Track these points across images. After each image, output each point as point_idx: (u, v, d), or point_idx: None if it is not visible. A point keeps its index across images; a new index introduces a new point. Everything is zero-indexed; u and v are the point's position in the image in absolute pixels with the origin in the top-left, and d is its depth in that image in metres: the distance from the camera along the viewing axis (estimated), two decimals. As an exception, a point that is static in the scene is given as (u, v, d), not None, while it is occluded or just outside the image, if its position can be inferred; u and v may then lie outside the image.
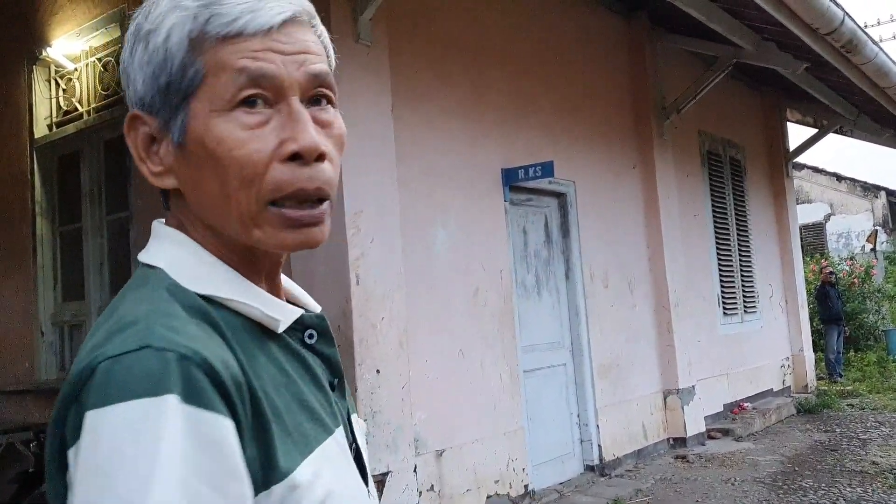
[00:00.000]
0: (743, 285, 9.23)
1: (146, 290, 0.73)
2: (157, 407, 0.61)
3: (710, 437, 7.56)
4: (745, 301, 9.22)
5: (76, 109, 6.07)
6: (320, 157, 0.74)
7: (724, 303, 8.75)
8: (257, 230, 0.74)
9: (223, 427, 0.63)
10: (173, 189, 0.78)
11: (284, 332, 0.78)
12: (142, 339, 0.64)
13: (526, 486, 5.51)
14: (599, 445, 6.36)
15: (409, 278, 4.64)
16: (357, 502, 0.77)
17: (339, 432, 0.79)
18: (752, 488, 5.80)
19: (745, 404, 8.70)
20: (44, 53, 6.14)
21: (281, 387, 0.73)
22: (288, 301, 0.84)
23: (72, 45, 6.01)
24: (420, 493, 4.57)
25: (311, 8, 0.79)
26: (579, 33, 6.85)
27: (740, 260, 9.24)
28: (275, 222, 0.73)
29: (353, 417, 0.87)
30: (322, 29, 0.81)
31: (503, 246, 5.66)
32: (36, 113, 6.28)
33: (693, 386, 7.44)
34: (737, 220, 9.28)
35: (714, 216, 8.79)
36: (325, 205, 0.76)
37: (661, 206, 7.40)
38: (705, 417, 7.67)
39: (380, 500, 4.19)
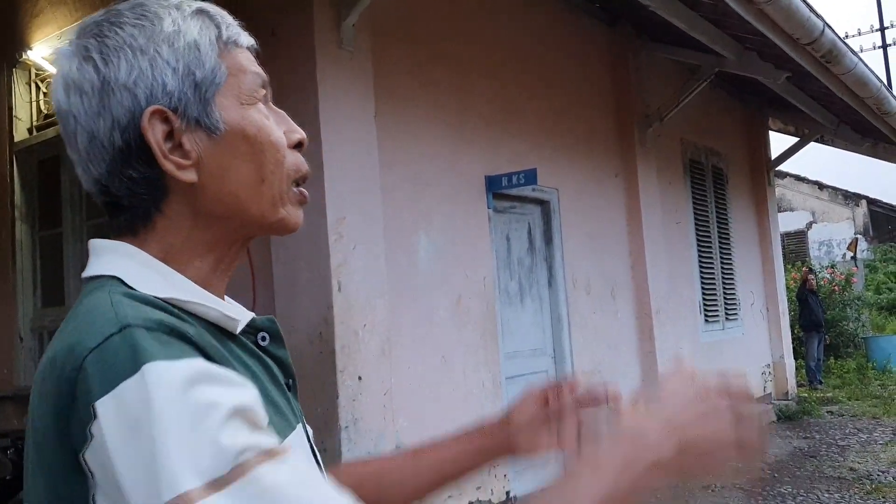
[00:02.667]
0: (724, 292, 9.30)
1: (103, 293, 0.73)
2: (166, 369, 0.65)
3: (692, 444, 7.58)
4: (726, 308, 9.28)
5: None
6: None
7: (705, 310, 8.80)
8: (283, 209, 0.84)
9: (228, 373, 0.70)
10: (181, 188, 0.80)
11: (240, 333, 0.82)
12: (119, 322, 0.68)
13: (507, 493, 5.52)
14: (581, 452, 6.36)
15: (391, 285, 4.64)
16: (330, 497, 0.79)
17: (300, 428, 0.84)
18: (732, 494, 5.84)
19: (727, 411, 8.73)
20: (24, 56, 6.10)
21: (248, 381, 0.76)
22: None
23: (53, 48, 5.98)
24: (401, 500, 4.56)
25: None
26: (563, 42, 6.88)
27: (722, 267, 9.31)
28: (294, 200, 0.86)
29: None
30: None
31: (486, 253, 5.67)
32: (16, 117, 6.24)
33: (675, 393, 7.46)
34: (719, 227, 9.35)
35: (696, 224, 8.85)
36: None
37: (644, 214, 7.44)
38: (687, 424, 7.69)
39: (361, 507, 4.19)
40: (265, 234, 0.88)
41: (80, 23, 0.83)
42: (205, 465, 0.62)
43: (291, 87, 4.34)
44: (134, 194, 0.80)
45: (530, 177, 5.64)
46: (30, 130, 6.23)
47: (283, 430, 0.78)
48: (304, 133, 0.89)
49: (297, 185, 0.87)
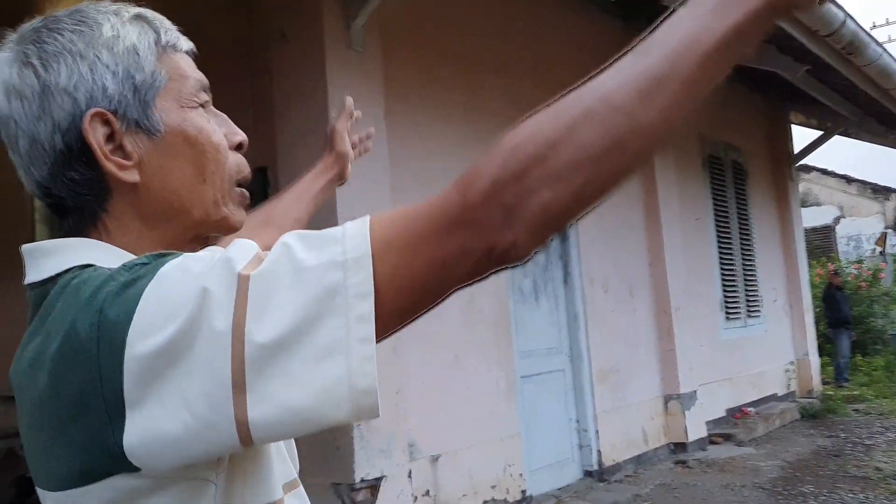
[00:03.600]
0: (746, 289, 9.19)
1: (86, 274, 0.74)
2: (165, 265, 0.69)
3: (712, 443, 7.52)
4: (748, 305, 9.17)
5: (75, 116, 6.12)
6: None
7: (726, 307, 8.70)
8: (225, 208, 0.87)
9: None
10: (120, 188, 0.81)
11: None
12: (119, 267, 0.72)
13: (523, 492, 5.49)
14: (598, 451, 6.33)
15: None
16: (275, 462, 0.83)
17: None
18: (752, 494, 5.76)
19: (748, 409, 8.65)
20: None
21: None
22: None
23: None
24: (415, 497, 4.56)
25: None
26: (576, 38, 6.84)
27: (743, 264, 9.20)
28: (237, 200, 0.89)
29: None
30: None
31: (499, 251, 5.64)
32: (35, 120, 6.32)
33: (694, 391, 7.40)
34: (739, 223, 9.24)
35: (716, 220, 8.75)
36: None
37: (662, 211, 7.37)
38: (707, 422, 7.63)
39: (373, 505, 4.19)
40: (212, 232, 0.89)
41: (19, 29, 0.84)
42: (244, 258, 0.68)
43: (301, 88, 4.36)
44: (77, 195, 0.81)
45: (544, 174, 5.60)
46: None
47: None
48: (244, 135, 0.91)
49: (240, 185, 0.90)
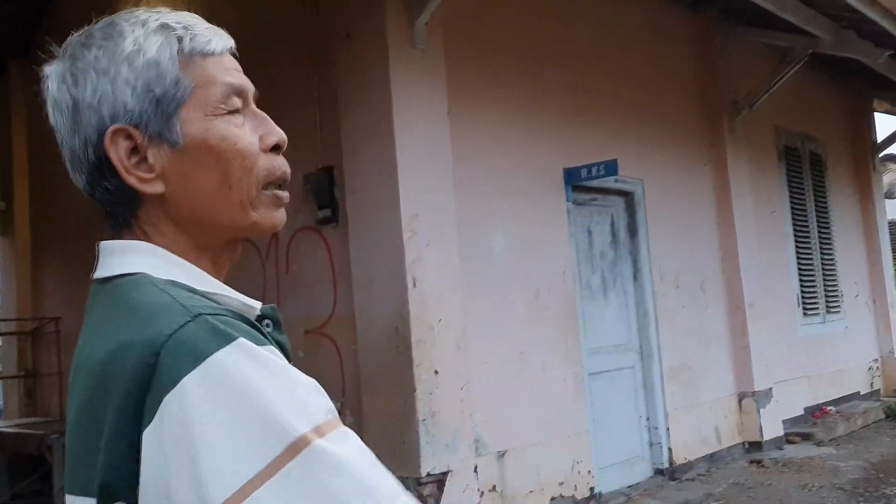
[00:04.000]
0: (825, 284, 8.88)
1: (150, 288, 0.78)
2: (235, 349, 0.70)
3: (789, 442, 7.30)
4: (827, 301, 8.87)
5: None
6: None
7: (804, 303, 8.43)
8: (254, 212, 0.87)
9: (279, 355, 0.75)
10: (150, 197, 0.84)
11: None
12: (190, 312, 0.73)
13: (591, 489, 5.45)
14: (669, 449, 6.23)
15: (466, 281, 4.66)
16: None
17: None
18: (831, 494, 5.58)
19: (828, 408, 8.36)
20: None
21: None
22: None
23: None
24: (482, 493, 4.58)
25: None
26: (643, 28, 6.73)
27: (822, 258, 8.90)
28: (268, 203, 0.88)
29: None
30: None
31: (565, 247, 5.61)
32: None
33: (770, 389, 7.20)
34: (818, 216, 8.93)
35: (793, 213, 8.48)
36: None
37: (735, 204, 7.20)
38: (784, 421, 7.41)
39: (440, 499, 4.23)
40: (243, 236, 0.90)
41: (66, 42, 0.88)
42: (308, 414, 0.69)
43: (366, 87, 4.42)
44: (113, 203, 0.85)
45: (610, 168, 5.54)
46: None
47: None
48: (281, 135, 0.89)
49: (279, 186, 0.89)
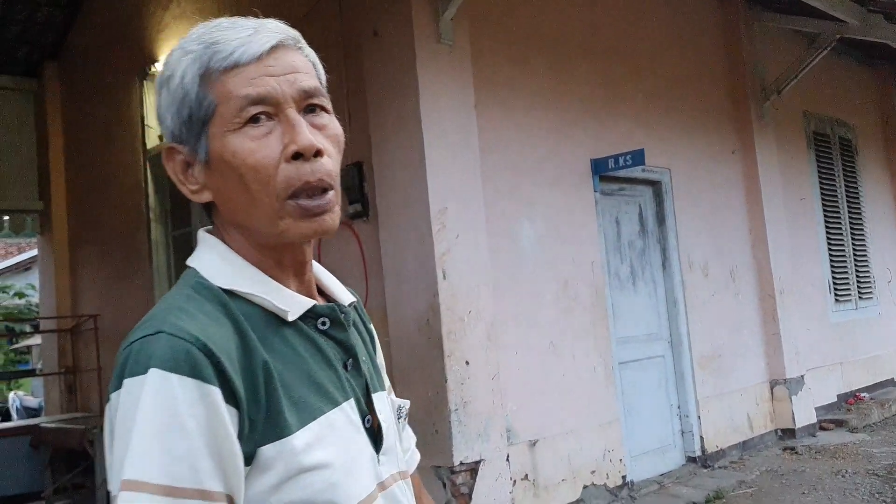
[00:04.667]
0: (857, 270, 8.80)
1: (176, 289, 0.89)
2: (142, 380, 0.77)
3: (822, 429, 7.27)
4: (859, 287, 8.79)
5: (183, 120, 6.45)
6: (318, 153, 0.89)
7: (835, 289, 8.37)
8: (281, 223, 0.89)
9: (206, 391, 0.78)
10: (209, 202, 0.93)
11: (299, 319, 0.92)
12: (157, 325, 0.81)
13: (623, 477, 5.48)
14: (701, 437, 6.24)
15: (495, 272, 4.71)
16: (357, 469, 0.89)
17: (349, 405, 0.93)
18: (865, 481, 5.56)
19: (862, 395, 8.30)
20: (153, 68, 6.55)
21: (291, 364, 0.88)
22: (323, 294, 1.00)
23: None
24: (514, 481, 4.64)
25: (296, 34, 0.94)
26: (668, 17, 6.72)
27: (853, 244, 8.82)
28: (294, 213, 0.88)
29: (380, 395, 1.01)
30: (309, 51, 0.96)
31: (594, 237, 5.64)
32: (147, 125, 6.71)
33: (802, 376, 7.17)
34: (848, 202, 8.85)
35: (823, 199, 8.42)
36: (331, 194, 0.91)
37: (763, 191, 7.16)
38: (817, 408, 7.38)
39: (473, 487, 4.29)
40: (280, 242, 0.92)
41: None
42: (157, 469, 0.75)
43: (393, 83, 4.48)
44: (200, 205, 0.96)
45: (638, 157, 5.55)
46: (160, 137, 6.69)
47: (321, 409, 0.88)
48: (303, 142, 0.88)
49: (309, 196, 0.89)
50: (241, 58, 0.88)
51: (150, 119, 6.71)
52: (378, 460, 0.95)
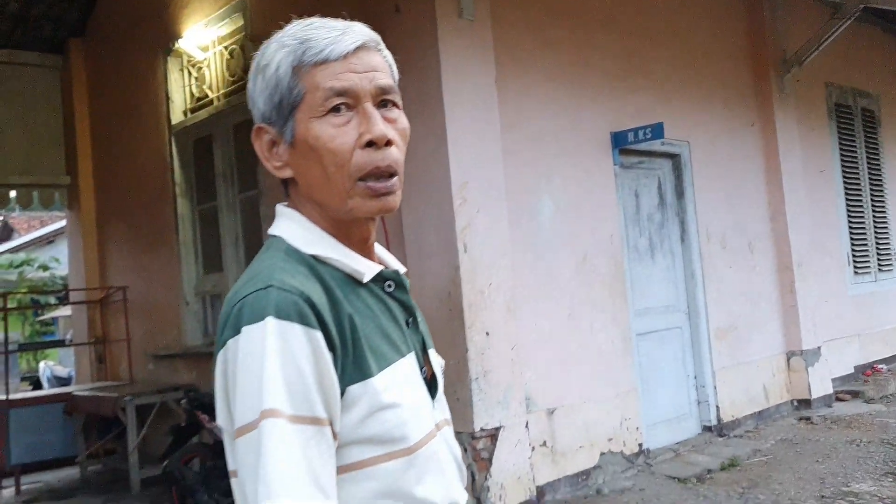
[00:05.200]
0: (877, 243, 8.81)
1: (270, 252, 1.05)
2: (261, 326, 0.92)
3: (838, 400, 7.34)
4: (879, 259, 8.80)
5: (207, 96, 6.55)
6: (388, 143, 1.04)
7: (854, 261, 8.39)
8: (350, 201, 1.03)
9: (313, 336, 0.93)
10: (290, 178, 1.08)
11: (370, 282, 1.07)
12: (266, 281, 0.96)
13: (640, 445, 5.60)
14: (717, 406, 6.34)
15: (515, 245, 4.80)
16: (419, 411, 1.05)
17: (411, 356, 1.09)
18: (879, 449, 5.64)
19: (880, 366, 8.35)
20: (176, 45, 6.64)
21: (367, 318, 1.03)
22: (380, 263, 1.15)
23: (201, 36, 6.48)
24: (533, 447, 4.76)
25: (377, 37, 1.09)
26: (690, -10, 6.71)
27: (874, 216, 8.81)
28: (362, 193, 1.03)
29: (431, 352, 1.17)
30: (387, 53, 1.10)
31: (613, 210, 5.71)
32: (171, 101, 6.82)
33: (819, 347, 7.24)
34: (870, 173, 8.83)
35: (843, 171, 8.41)
36: (395, 179, 1.05)
37: (783, 164, 7.18)
38: (833, 380, 7.45)
39: (494, 452, 4.43)
40: (350, 218, 1.06)
41: None
42: (284, 400, 0.90)
43: (415, 58, 4.54)
44: (280, 180, 1.11)
45: (657, 131, 5.60)
46: (184, 113, 6.80)
47: (392, 357, 1.04)
48: (375, 133, 1.02)
49: (377, 179, 1.03)
50: (330, 54, 1.02)
51: (174, 94, 6.82)
52: (433, 405, 1.11)
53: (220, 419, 0.97)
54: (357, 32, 1.05)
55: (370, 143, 1.02)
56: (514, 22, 5.12)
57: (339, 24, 1.06)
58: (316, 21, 1.05)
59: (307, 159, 1.04)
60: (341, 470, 0.96)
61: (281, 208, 1.10)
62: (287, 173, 1.07)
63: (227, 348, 0.94)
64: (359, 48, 1.03)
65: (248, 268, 1.03)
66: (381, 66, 1.06)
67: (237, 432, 0.91)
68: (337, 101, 1.02)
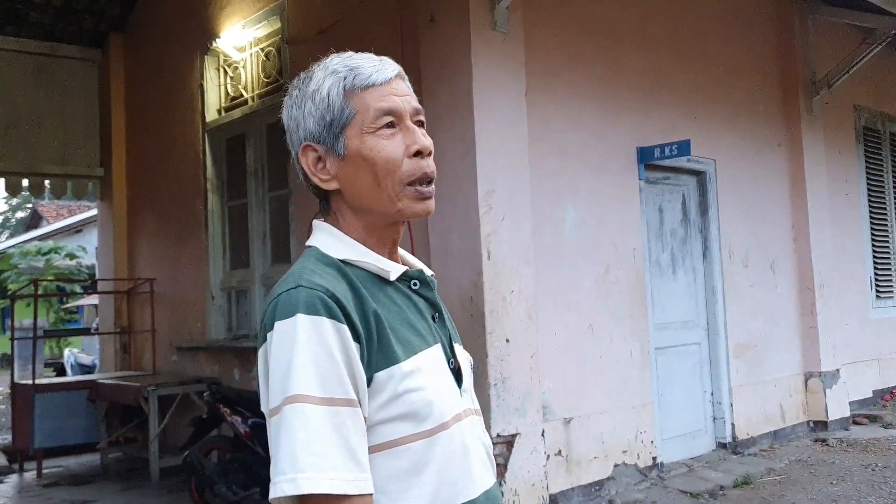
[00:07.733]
0: (901, 268, 8.77)
1: (303, 259, 1.20)
2: (292, 321, 1.05)
3: (856, 423, 7.33)
4: (902, 284, 8.75)
5: (241, 95, 6.69)
6: (430, 153, 1.20)
7: (877, 285, 8.37)
8: (399, 203, 1.17)
9: (340, 328, 1.06)
10: (334, 191, 1.21)
11: (397, 280, 1.20)
12: (296, 282, 1.10)
13: (654, 458, 5.64)
14: (733, 424, 6.36)
15: (538, 255, 4.87)
16: (445, 395, 1.15)
17: (437, 348, 1.20)
18: (894, 475, 5.64)
19: (899, 392, 8.31)
20: (213, 45, 6.78)
21: (394, 313, 1.16)
22: (404, 265, 1.27)
23: (238, 37, 6.61)
24: (548, 456, 4.82)
25: (401, 69, 1.26)
26: (720, 7, 6.75)
27: (899, 241, 8.77)
28: (411, 196, 1.18)
29: (457, 346, 1.28)
30: (407, 80, 1.26)
31: (636, 224, 5.76)
32: (207, 99, 6.97)
33: (837, 370, 7.23)
34: (896, 198, 8.80)
35: (869, 195, 8.40)
36: (433, 185, 1.21)
37: (808, 185, 7.19)
38: (851, 403, 7.43)
39: (509, 459, 4.49)
40: (395, 220, 1.20)
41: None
42: (315, 385, 1.02)
43: (448, 68, 4.63)
44: (318, 195, 1.24)
45: (684, 148, 5.65)
46: (219, 111, 6.94)
47: (419, 346, 1.15)
48: (422, 144, 1.19)
49: (425, 183, 1.19)
50: (376, 80, 1.18)
51: (209, 93, 6.96)
52: (459, 394, 1.20)
53: (263, 407, 1.09)
54: (391, 63, 1.22)
55: (418, 153, 1.18)
56: (546, 36, 5.20)
57: (374, 56, 1.22)
58: (354, 54, 1.21)
59: (359, 168, 1.17)
60: (371, 450, 1.06)
61: (317, 223, 1.24)
62: (333, 185, 1.20)
63: (265, 344, 1.07)
64: (396, 76, 1.20)
65: (287, 273, 1.16)
66: (411, 92, 1.23)
67: (270, 415, 1.04)
68: (386, 119, 1.17)
